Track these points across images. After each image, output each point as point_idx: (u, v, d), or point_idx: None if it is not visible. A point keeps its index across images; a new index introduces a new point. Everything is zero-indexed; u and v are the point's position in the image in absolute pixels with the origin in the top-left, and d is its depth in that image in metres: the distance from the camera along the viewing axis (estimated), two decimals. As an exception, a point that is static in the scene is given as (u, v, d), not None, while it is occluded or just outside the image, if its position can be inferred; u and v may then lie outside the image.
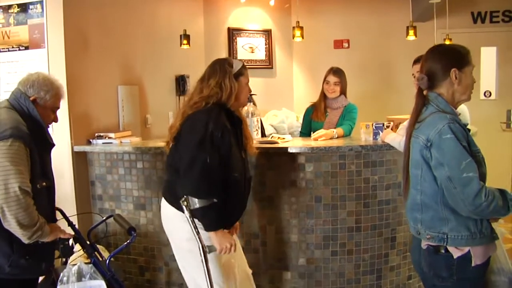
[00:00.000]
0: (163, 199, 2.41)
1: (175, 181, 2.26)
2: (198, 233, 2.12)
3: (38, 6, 3.23)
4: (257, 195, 3.06)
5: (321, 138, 3.33)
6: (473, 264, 1.81)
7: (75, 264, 2.19)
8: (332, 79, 3.76)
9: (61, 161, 3.30)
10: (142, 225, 3.30)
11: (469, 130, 1.86)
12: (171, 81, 4.86)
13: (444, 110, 1.86)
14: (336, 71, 3.80)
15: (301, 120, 4.12)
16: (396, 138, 2.82)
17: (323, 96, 3.83)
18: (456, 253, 1.83)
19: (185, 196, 2.12)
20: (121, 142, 3.40)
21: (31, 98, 2.16)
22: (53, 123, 2.36)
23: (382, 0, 5.96)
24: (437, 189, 1.83)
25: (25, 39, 3.31)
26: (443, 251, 1.85)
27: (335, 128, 3.57)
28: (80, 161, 3.37)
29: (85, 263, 2.31)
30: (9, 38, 3.35)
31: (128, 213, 3.32)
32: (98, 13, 3.58)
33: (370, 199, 3.05)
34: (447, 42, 5.03)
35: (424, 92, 1.95)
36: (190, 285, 2.42)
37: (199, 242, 2.13)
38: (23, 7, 3.29)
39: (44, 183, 2.12)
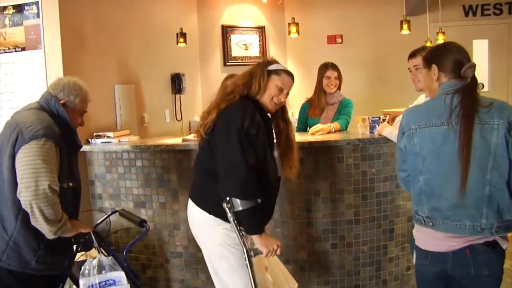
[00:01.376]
0: (191, 203, 2.28)
1: (210, 184, 2.12)
2: (242, 236, 2.04)
3: (34, 7, 3.24)
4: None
5: (319, 132, 3.36)
6: (505, 248, 1.84)
7: (95, 258, 2.23)
8: (333, 74, 3.81)
9: (60, 161, 3.32)
10: (118, 230, 3.30)
11: None
12: (166, 79, 4.88)
13: None
14: (334, 66, 3.86)
15: (296, 116, 4.15)
16: (393, 131, 2.85)
17: (323, 92, 3.85)
18: (504, 243, 1.81)
19: (227, 199, 2.02)
20: (119, 141, 3.42)
21: (61, 102, 2.21)
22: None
23: (376, -6, 6.02)
24: (507, 174, 1.80)
25: (21, 40, 3.31)
26: (495, 245, 1.81)
27: (331, 123, 3.60)
28: (80, 160, 3.37)
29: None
30: (5, 39, 3.35)
31: (128, 211, 3.34)
32: (94, 12, 3.59)
33: (368, 191, 3.09)
34: (440, 36, 5.08)
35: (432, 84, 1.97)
36: None
37: (243, 246, 2.05)
38: (19, 8, 3.29)
39: (71, 184, 2.16)
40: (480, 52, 6.13)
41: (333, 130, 3.48)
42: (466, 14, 6.04)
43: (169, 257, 3.32)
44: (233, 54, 5.84)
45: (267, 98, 2.21)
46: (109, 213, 2.66)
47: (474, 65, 1.90)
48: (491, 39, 6.04)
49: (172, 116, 4.95)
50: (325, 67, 3.86)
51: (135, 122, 4.09)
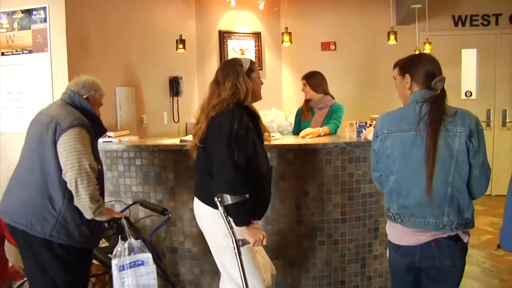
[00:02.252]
0: (196, 200, 2.50)
1: (208, 182, 2.34)
2: (231, 227, 2.24)
3: (41, 12, 3.41)
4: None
5: (308, 136, 3.55)
6: (466, 242, 2.03)
7: (126, 241, 2.45)
8: (302, 82, 4.10)
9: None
10: (140, 219, 3.48)
11: None
12: (165, 82, 5.05)
13: None
14: (305, 75, 4.12)
15: (289, 120, 4.36)
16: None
17: (306, 99, 4.14)
18: (465, 238, 2.01)
19: (218, 194, 2.23)
20: (120, 140, 3.58)
21: (84, 96, 2.49)
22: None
23: (368, 4, 6.21)
24: (467, 177, 1.96)
25: (29, 43, 3.48)
26: (457, 239, 1.99)
27: (321, 126, 3.79)
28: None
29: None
30: (13, 42, 3.52)
31: (127, 208, 3.51)
32: (97, 18, 3.77)
33: (355, 192, 3.27)
34: (427, 46, 5.27)
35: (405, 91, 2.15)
36: (226, 280, 2.48)
37: (232, 236, 2.24)
38: (27, 13, 3.46)
39: (99, 166, 2.41)
40: (468, 61, 6.33)
41: (322, 134, 3.67)
42: (456, 24, 6.24)
43: (166, 252, 3.48)
44: (229, 59, 5.98)
45: (257, 93, 2.49)
46: (130, 203, 2.87)
47: (443, 78, 2.08)
48: (479, 48, 6.24)
49: (170, 118, 5.13)
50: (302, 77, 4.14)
51: (134, 123, 4.27)
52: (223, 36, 5.96)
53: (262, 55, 6.22)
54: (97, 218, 2.33)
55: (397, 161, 2.07)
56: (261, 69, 6.22)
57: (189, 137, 3.42)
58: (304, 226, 3.26)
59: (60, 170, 2.26)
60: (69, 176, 2.22)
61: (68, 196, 2.28)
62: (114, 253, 2.42)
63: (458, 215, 1.97)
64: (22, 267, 3.25)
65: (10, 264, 3.26)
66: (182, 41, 4.98)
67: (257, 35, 6.16)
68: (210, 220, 2.42)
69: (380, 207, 3.34)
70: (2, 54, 3.57)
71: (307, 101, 4.12)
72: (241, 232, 2.31)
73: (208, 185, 2.36)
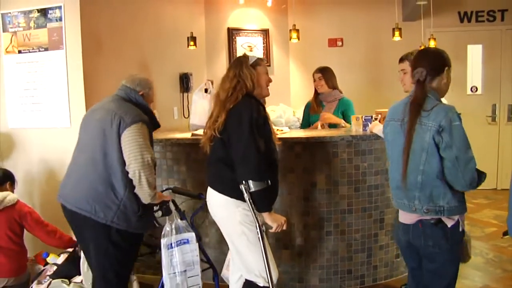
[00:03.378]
0: (210, 190, 2.55)
1: (226, 173, 2.42)
2: (255, 213, 2.35)
3: (57, 11, 3.53)
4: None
5: (330, 119, 3.88)
6: (460, 229, 2.15)
7: (173, 221, 2.66)
8: (317, 75, 4.19)
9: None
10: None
11: None
12: (175, 78, 5.17)
13: (441, 102, 2.18)
14: (319, 69, 4.23)
15: (297, 115, 4.46)
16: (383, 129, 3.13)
17: (316, 92, 4.25)
18: (449, 222, 2.14)
19: (244, 182, 2.32)
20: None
21: (139, 93, 2.66)
22: None
23: (374, 0, 6.27)
24: (440, 168, 2.09)
25: (45, 41, 3.61)
26: (439, 223, 2.14)
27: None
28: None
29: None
30: (29, 40, 3.65)
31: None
32: (111, 17, 3.90)
33: (361, 184, 3.37)
34: (432, 42, 5.33)
35: (408, 85, 2.29)
36: (241, 266, 2.54)
37: (257, 221, 2.34)
38: (43, 12, 3.59)
39: (155, 157, 2.60)
40: (474, 57, 6.38)
41: (343, 125, 3.93)
42: (462, 20, 6.27)
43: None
44: (238, 55, 6.09)
45: (264, 87, 2.57)
46: (164, 189, 3.05)
47: (419, 71, 2.21)
48: (485, 44, 6.28)
49: (180, 113, 5.25)
50: (314, 71, 4.25)
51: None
52: (232, 33, 6.05)
53: (270, 51, 6.30)
54: (151, 201, 2.53)
55: (389, 148, 2.34)
56: (269, 66, 6.31)
57: (200, 131, 3.53)
58: (312, 216, 3.36)
59: (123, 161, 2.43)
60: (133, 167, 2.40)
61: (129, 185, 2.46)
62: (162, 233, 2.62)
63: (429, 201, 2.13)
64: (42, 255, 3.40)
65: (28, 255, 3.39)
66: (193, 38, 5.11)
67: (265, 32, 6.25)
68: (224, 209, 2.49)
69: (385, 198, 3.44)
70: (19, 52, 3.70)
71: (316, 95, 4.22)
72: (264, 218, 2.41)
73: (224, 174, 2.44)
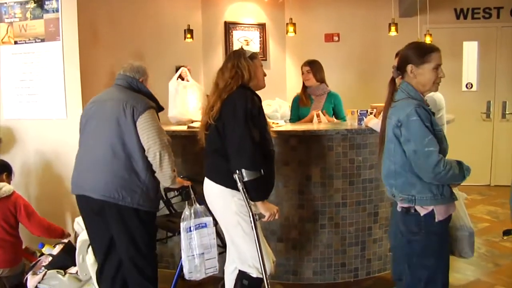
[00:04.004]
0: (207, 180, 2.59)
1: (221, 162, 2.45)
2: (249, 202, 2.38)
3: (54, 2, 3.53)
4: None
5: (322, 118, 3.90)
6: (436, 220, 2.19)
7: (192, 206, 2.76)
8: (304, 68, 4.21)
9: (74, 144, 3.58)
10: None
11: (433, 113, 2.22)
12: (172, 71, 5.15)
13: (413, 96, 2.22)
14: (308, 62, 4.24)
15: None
16: (378, 123, 3.15)
17: (304, 86, 4.28)
18: (422, 211, 2.21)
19: (238, 170, 2.35)
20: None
21: (140, 80, 2.75)
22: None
23: (372, -5, 6.29)
24: (405, 160, 2.20)
25: (41, 32, 3.60)
26: (412, 211, 2.23)
27: (320, 110, 4.04)
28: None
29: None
30: (26, 31, 3.64)
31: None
32: (108, 9, 3.90)
33: (355, 177, 3.39)
34: (428, 38, 5.36)
35: (397, 80, 2.31)
36: (236, 257, 2.59)
37: (249, 210, 2.38)
38: (39, 3, 3.58)
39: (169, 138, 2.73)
40: (470, 53, 6.41)
41: (335, 121, 4.00)
42: (458, 17, 6.30)
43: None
44: (235, 49, 6.10)
45: (260, 78, 2.61)
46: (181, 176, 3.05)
47: (393, 66, 2.37)
48: (481, 41, 6.31)
49: (176, 106, 5.24)
50: (302, 64, 4.27)
51: (142, 110, 4.38)
52: (229, 27, 6.05)
53: (266, 46, 6.31)
54: (172, 186, 2.68)
55: None
56: (266, 60, 6.32)
57: (196, 124, 3.55)
58: (307, 209, 3.39)
59: (141, 147, 2.54)
60: (153, 150, 2.52)
61: (150, 169, 2.59)
62: (182, 216, 2.72)
63: (402, 190, 2.24)
64: (34, 249, 3.41)
65: (23, 246, 3.40)
66: (190, 31, 5.12)
67: (261, 26, 6.25)
68: (220, 199, 2.52)
69: (380, 192, 3.47)
70: (15, 42, 3.69)
71: (305, 88, 4.24)
72: (257, 207, 2.45)
73: (220, 164, 2.47)
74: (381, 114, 3.25)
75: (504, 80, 6.25)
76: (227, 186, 2.46)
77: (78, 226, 3.28)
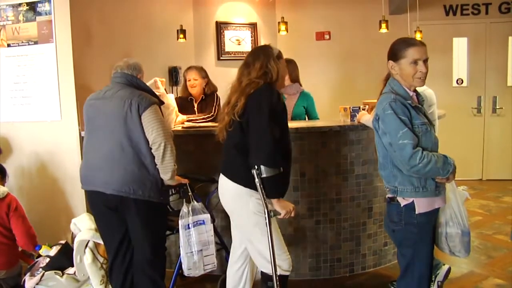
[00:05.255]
0: (223, 178, 2.55)
1: (239, 160, 2.43)
2: (265, 198, 2.34)
3: (46, 4, 3.54)
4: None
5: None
6: (416, 212, 2.24)
7: (189, 203, 2.84)
8: None
9: (69, 146, 3.64)
10: None
11: (418, 107, 2.26)
12: (164, 72, 5.19)
13: (396, 91, 2.27)
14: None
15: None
16: (370, 119, 3.19)
17: None
18: (402, 202, 2.26)
19: (256, 166, 2.32)
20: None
21: (138, 76, 2.79)
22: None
23: (361, -6, 6.34)
24: (386, 152, 2.27)
25: (34, 35, 3.61)
26: (395, 201, 2.29)
27: (291, 111, 3.99)
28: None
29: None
30: (18, 33, 3.65)
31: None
32: (100, 10, 3.92)
33: (349, 173, 3.44)
34: (418, 34, 5.42)
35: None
36: (255, 257, 2.56)
37: (265, 206, 2.33)
38: (32, 5, 3.59)
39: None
40: (459, 49, 6.48)
41: None
42: (447, 13, 6.35)
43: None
44: (227, 49, 6.14)
45: (283, 79, 2.59)
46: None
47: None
48: (470, 37, 6.37)
49: (170, 107, 5.26)
50: None
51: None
52: (220, 26, 6.08)
53: (257, 45, 6.35)
54: (170, 182, 2.71)
55: None
56: (258, 59, 6.35)
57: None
58: (301, 206, 3.42)
59: (147, 141, 2.60)
60: (158, 141, 2.58)
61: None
62: (180, 214, 2.78)
63: (388, 181, 2.33)
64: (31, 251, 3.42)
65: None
66: (182, 31, 5.16)
67: (253, 26, 6.28)
68: (238, 199, 2.49)
69: (373, 187, 3.51)
70: (8, 45, 3.70)
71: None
72: (273, 204, 2.42)
73: (239, 162, 2.44)
74: (374, 110, 3.33)
75: (494, 75, 6.32)
76: (245, 186, 2.43)
77: (75, 227, 3.30)
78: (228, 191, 2.54)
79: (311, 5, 6.49)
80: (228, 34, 6.14)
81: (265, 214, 2.35)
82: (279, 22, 5.09)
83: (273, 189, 2.38)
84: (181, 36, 5.16)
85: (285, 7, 6.37)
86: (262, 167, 2.32)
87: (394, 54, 2.27)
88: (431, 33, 6.01)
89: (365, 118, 3.28)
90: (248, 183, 2.41)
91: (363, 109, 3.47)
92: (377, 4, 6.20)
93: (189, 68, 4.13)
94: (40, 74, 3.64)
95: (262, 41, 6.37)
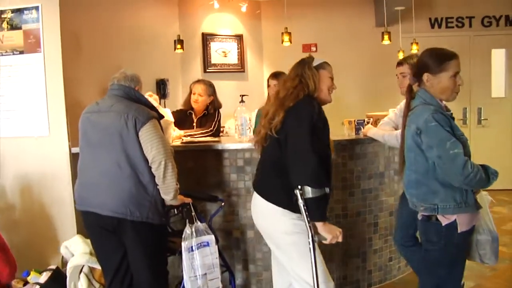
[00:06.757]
0: (257, 196, 2.37)
1: (279, 179, 2.24)
2: (309, 221, 2.10)
3: (34, 11, 3.32)
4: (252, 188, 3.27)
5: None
6: (459, 231, 2.13)
7: (193, 224, 2.66)
8: (272, 82, 4.00)
9: (58, 163, 3.40)
10: None
11: (453, 118, 2.17)
12: (152, 84, 5.01)
13: (429, 102, 2.17)
14: (275, 75, 4.02)
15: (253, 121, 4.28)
16: (378, 132, 3.12)
17: (269, 99, 4.08)
18: (444, 221, 2.14)
19: (299, 186, 2.11)
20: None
21: (136, 88, 2.64)
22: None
23: (348, 6, 6.34)
24: (428, 168, 2.13)
25: (20, 44, 3.37)
26: (434, 219, 2.16)
27: None
28: (77, 161, 3.46)
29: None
30: (2, 42, 3.40)
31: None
32: (89, 20, 3.73)
33: (355, 188, 3.34)
34: (414, 46, 5.44)
35: (415, 87, 2.26)
36: (294, 279, 2.34)
37: (309, 230, 2.10)
38: (18, 12, 3.36)
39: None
40: (444, 62, 6.55)
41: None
42: (432, 26, 6.44)
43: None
44: (213, 61, 6.03)
45: (325, 91, 2.39)
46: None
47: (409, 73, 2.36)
48: (455, 49, 6.33)
49: (157, 120, 5.07)
50: (269, 76, 4.08)
51: (125, 125, 4.19)
52: (206, 38, 5.96)
53: (244, 57, 6.26)
54: (172, 202, 2.55)
55: None
56: (244, 72, 6.26)
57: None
58: (307, 222, 3.29)
59: (146, 159, 2.44)
60: (159, 159, 2.42)
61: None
62: (183, 235, 2.62)
63: (424, 199, 2.18)
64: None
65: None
66: (180, 41, 5.09)
67: (239, 38, 6.20)
68: (272, 219, 2.31)
69: (379, 202, 3.43)
70: (-10, 55, 3.45)
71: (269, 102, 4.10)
72: (318, 228, 2.19)
73: (275, 181, 2.27)
74: (379, 126, 3.25)
75: (478, 86, 6.41)
76: (280, 205, 2.26)
77: (66, 251, 3.09)
78: (261, 210, 2.36)
79: (298, 17, 6.43)
80: (214, 46, 6.03)
81: (309, 239, 2.12)
82: (282, 33, 4.99)
83: (317, 212, 2.14)
84: (178, 46, 5.05)
85: (271, 19, 6.31)
86: (306, 187, 2.11)
87: (432, 66, 2.18)
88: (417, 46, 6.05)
89: (373, 131, 3.20)
90: (285, 204, 2.23)
91: (368, 122, 3.40)
92: (363, 17, 6.24)
93: (198, 81, 3.96)
94: (26, 86, 3.40)
95: (248, 53, 6.28)
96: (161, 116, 2.67)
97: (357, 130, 3.39)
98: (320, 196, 2.13)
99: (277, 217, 2.27)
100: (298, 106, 2.24)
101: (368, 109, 4.58)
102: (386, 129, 3.11)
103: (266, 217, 2.35)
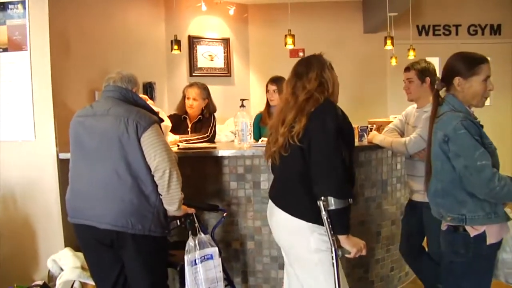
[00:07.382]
0: (278, 210, 2.20)
1: (303, 190, 2.09)
2: (333, 235, 1.99)
3: (19, 6, 3.09)
4: (254, 197, 3.13)
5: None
6: (487, 243, 2.03)
7: (196, 236, 2.56)
8: (271, 87, 3.92)
9: (45, 169, 3.18)
10: None
11: (482, 126, 2.08)
12: (139, 88, 4.78)
13: (457, 109, 2.08)
14: (275, 80, 3.94)
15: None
16: (386, 139, 3.03)
17: (268, 104, 4.02)
18: (472, 232, 2.04)
19: (323, 197, 1.98)
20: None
21: (133, 90, 2.49)
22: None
23: (336, 11, 6.29)
24: (455, 176, 2.03)
25: (4, 40, 3.14)
26: (461, 230, 2.06)
27: None
28: (66, 168, 3.22)
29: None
30: (-17, 39, 3.17)
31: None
32: (78, 19, 3.51)
33: (358, 196, 3.23)
34: (411, 52, 5.42)
35: (442, 93, 2.17)
36: None
37: (333, 244, 1.99)
38: (1, 6, 3.12)
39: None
40: (431, 69, 6.57)
41: None
42: (420, 33, 6.45)
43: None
44: (199, 65, 5.87)
45: (337, 93, 2.27)
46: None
47: (438, 78, 2.33)
48: (441, 57, 6.44)
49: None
50: (268, 81, 4.00)
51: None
52: (193, 41, 5.80)
53: (230, 61, 6.13)
54: (175, 213, 2.40)
55: None
56: (230, 76, 6.13)
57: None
58: (310, 232, 3.17)
59: (148, 166, 2.28)
60: (163, 167, 2.26)
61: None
62: (186, 248, 2.50)
63: (451, 209, 2.08)
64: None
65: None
66: (177, 41, 4.92)
67: (226, 41, 6.06)
68: (296, 235, 2.14)
69: (382, 211, 3.34)
70: (-30, 52, 3.20)
71: (268, 107, 4.00)
72: (341, 241, 2.06)
73: (299, 194, 2.11)
74: (384, 132, 3.16)
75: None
76: (305, 220, 2.08)
77: (54, 265, 2.88)
78: (284, 226, 2.18)
79: (285, 21, 6.33)
80: (200, 49, 5.88)
81: (332, 253, 1.99)
82: (286, 35, 4.85)
83: (341, 224, 2.02)
84: (176, 47, 4.88)
85: (258, 23, 6.20)
86: (330, 198, 1.98)
87: (463, 70, 2.09)
88: (405, 53, 6.02)
89: (379, 138, 3.11)
90: (311, 218, 2.07)
91: (371, 129, 3.30)
92: (351, 23, 6.19)
93: (191, 85, 3.79)
94: (9, 86, 3.16)
95: (235, 57, 6.15)
96: (161, 120, 2.51)
97: (360, 136, 3.28)
98: (344, 207, 2.00)
99: (305, 234, 2.10)
100: (321, 111, 2.08)
101: (356, 116, 4.50)
102: (393, 135, 3.04)
103: (292, 234, 2.16)
